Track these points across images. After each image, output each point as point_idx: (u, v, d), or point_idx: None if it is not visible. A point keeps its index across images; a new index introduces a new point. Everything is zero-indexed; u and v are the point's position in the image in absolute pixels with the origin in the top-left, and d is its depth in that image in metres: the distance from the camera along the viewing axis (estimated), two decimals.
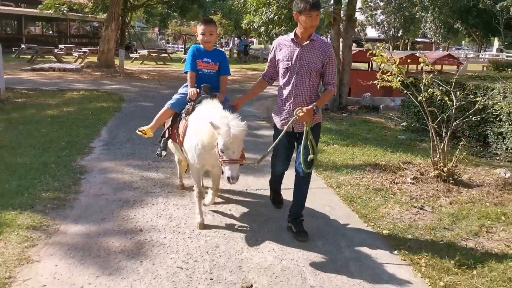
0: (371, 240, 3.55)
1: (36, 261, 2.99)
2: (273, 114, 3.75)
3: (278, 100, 3.66)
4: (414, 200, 4.39)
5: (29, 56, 20.94)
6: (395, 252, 3.35)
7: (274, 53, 3.60)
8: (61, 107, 8.70)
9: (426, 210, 4.17)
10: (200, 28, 3.81)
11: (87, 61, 18.74)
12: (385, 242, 3.52)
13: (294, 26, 18.37)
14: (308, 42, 3.42)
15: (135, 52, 27.19)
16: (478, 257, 3.26)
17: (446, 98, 4.83)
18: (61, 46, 25.73)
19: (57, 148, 5.73)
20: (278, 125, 3.65)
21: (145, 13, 31.66)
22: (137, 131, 3.96)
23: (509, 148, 5.75)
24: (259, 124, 8.06)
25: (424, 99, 4.90)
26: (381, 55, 4.90)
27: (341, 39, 9.92)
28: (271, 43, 28.67)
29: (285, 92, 3.54)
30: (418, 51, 44.33)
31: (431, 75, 5.20)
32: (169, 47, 40.35)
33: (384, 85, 4.99)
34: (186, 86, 3.87)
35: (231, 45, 40.22)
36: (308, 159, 3.38)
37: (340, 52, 9.82)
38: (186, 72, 3.84)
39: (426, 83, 5.05)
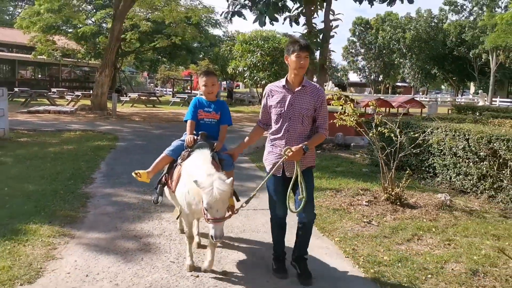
0: (325, 244, 4.50)
1: (59, 258, 3.87)
2: (264, 160, 3.77)
3: (269, 145, 3.69)
4: (364, 217, 5.37)
5: (23, 99, 21.99)
6: (342, 252, 4.30)
7: (266, 99, 3.65)
8: (61, 145, 9.65)
9: (373, 224, 5.15)
10: (202, 80, 3.95)
11: (80, 104, 19.85)
12: (335, 246, 4.47)
13: (276, 71, 19.87)
14: (300, 88, 3.49)
15: (125, 95, 28.45)
16: (406, 255, 4.22)
17: (392, 135, 5.94)
18: (54, 89, 26.90)
19: (63, 178, 6.64)
20: (268, 168, 3.67)
21: (136, 58, 33.23)
22: (132, 174, 4.04)
23: (451, 178, 6.83)
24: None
25: (374, 135, 6.00)
26: (338, 100, 6.05)
27: None
28: (256, 87, 30.23)
29: (277, 137, 3.58)
30: (399, 94, 46.58)
31: (399, 116, 6.35)
32: (158, 90, 41.88)
33: (340, 123, 6.10)
34: (186, 133, 3.96)
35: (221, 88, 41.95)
36: (299, 198, 3.42)
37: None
38: (186, 121, 3.96)
39: (377, 122, 6.17)
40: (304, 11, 10.98)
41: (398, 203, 5.84)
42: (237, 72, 26.86)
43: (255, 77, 25.53)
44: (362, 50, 52.60)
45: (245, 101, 32.66)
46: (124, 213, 5.18)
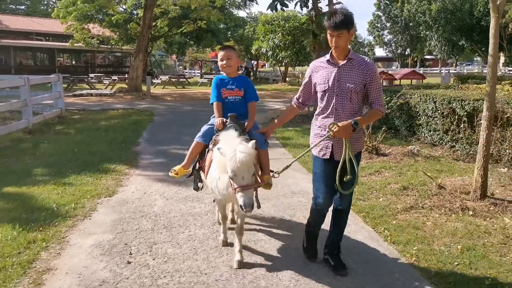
0: (305, 176, 6.33)
1: (125, 185, 5.87)
2: (310, 143, 3.48)
3: (315, 127, 3.42)
4: None
5: (65, 85, 24.51)
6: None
7: (310, 77, 3.41)
8: (109, 120, 11.80)
9: None
10: (219, 55, 3.84)
11: (118, 87, 22.12)
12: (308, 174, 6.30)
13: (298, 50, 21.46)
14: (345, 61, 3.20)
15: (156, 78, 30.67)
16: (364, 182, 5.98)
17: None
18: (91, 75, 29.40)
19: (116, 142, 8.70)
20: (315, 152, 3.40)
21: (165, 42, 35.32)
22: (169, 173, 4.03)
23: (425, 134, 8.47)
24: None
25: None
26: None
27: None
28: (279, 66, 31.74)
29: (324, 116, 3.31)
30: (428, 68, 46.94)
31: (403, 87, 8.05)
32: (186, 72, 44.04)
33: None
34: (214, 117, 3.84)
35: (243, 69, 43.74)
36: (344, 179, 3.18)
37: None
38: (212, 104, 3.83)
39: None
40: None
41: (374, 153, 7.58)
42: (261, 52, 28.49)
43: (278, 56, 27.15)
44: (388, 24, 52.81)
45: (269, 80, 34.33)
46: (165, 162, 7.16)
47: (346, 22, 3.10)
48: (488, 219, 4.53)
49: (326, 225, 3.66)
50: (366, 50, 59.29)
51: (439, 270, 3.49)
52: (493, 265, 3.54)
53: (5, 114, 11.32)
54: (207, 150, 3.81)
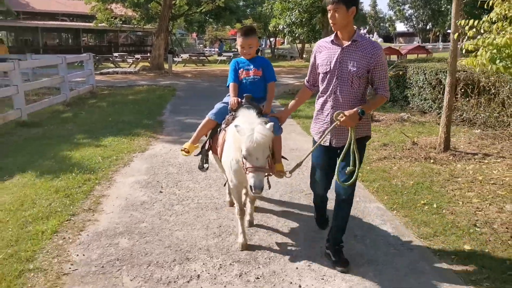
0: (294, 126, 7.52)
1: (153, 145, 7.18)
2: (311, 127, 3.46)
3: (316, 110, 3.34)
4: None
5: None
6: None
7: (315, 56, 3.31)
8: (136, 95, 13.17)
9: None
10: (239, 40, 3.73)
11: (141, 65, 23.51)
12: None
13: (314, 27, 22.42)
14: (350, 43, 3.07)
15: (177, 56, 31.94)
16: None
17: None
18: (115, 54, 30.87)
19: (144, 113, 10.04)
20: (316, 137, 3.35)
21: (185, 21, 36.41)
22: (180, 153, 3.97)
23: (417, 103, 9.51)
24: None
25: None
26: None
27: None
28: (296, 43, 32.56)
29: (323, 100, 3.23)
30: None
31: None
32: (206, 50, 45.15)
33: None
34: (229, 95, 3.77)
35: (263, 45, 44.69)
36: (346, 172, 3.09)
37: None
38: (228, 86, 3.79)
39: None
40: None
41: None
42: (278, 29, 29.33)
43: (295, 33, 27.96)
44: None
45: (286, 57, 35.18)
46: (185, 129, 8.45)
47: None
48: (444, 165, 5.67)
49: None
50: (387, 25, 59.05)
51: (390, 197, 4.69)
52: (433, 193, 4.72)
53: (42, 90, 12.81)
54: (219, 130, 3.72)
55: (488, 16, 3.98)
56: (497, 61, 3.54)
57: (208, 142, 3.92)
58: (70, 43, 40.66)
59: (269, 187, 3.60)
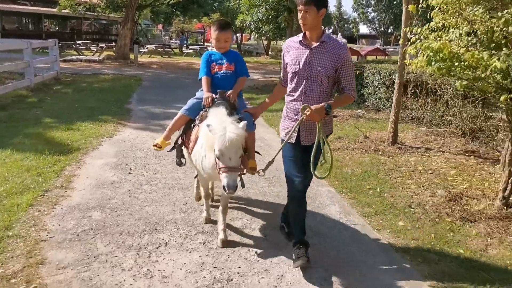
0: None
1: (121, 131, 7.43)
2: (280, 125, 3.49)
3: (285, 109, 3.38)
4: None
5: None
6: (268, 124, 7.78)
7: (283, 56, 3.36)
8: (101, 83, 13.24)
9: None
10: (214, 34, 3.69)
11: (105, 54, 23.29)
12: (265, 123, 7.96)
13: (279, 25, 22.95)
14: (318, 44, 3.13)
15: (142, 47, 31.70)
16: None
17: None
18: (78, 42, 30.29)
19: (110, 101, 10.21)
20: (283, 135, 3.39)
21: (152, 12, 36.11)
22: (152, 147, 3.90)
23: (373, 101, 10.18)
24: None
25: None
26: None
27: None
28: (262, 40, 33.03)
29: (293, 99, 3.26)
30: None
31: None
32: (172, 42, 44.89)
33: None
34: (202, 91, 3.74)
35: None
36: (320, 164, 3.19)
37: None
38: (200, 79, 3.74)
39: None
40: None
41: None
42: (245, 25, 29.68)
43: (261, 30, 28.44)
44: (373, 2, 54.03)
45: (253, 53, 35.64)
46: (153, 117, 8.73)
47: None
48: (390, 157, 6.28)
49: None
50: (351, 27, 60.58)
51: (340, 182, 5.22)
52: (378, 180, 5.29)
53: (4, 74, 12.65)
54: (192, 125, 3.71)
55: (428, 25, 4.53)
56: (433, 63, 4.10)
57: (181, 137, 3.90)
58: (30, 28, 39.41)
59: (243, 186, 3.46)
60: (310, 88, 3.17)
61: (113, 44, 28.63)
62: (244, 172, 3.42)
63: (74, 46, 25.76)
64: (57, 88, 11.87)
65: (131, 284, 2.98)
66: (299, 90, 3.21)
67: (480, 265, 3.39)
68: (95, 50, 25.51)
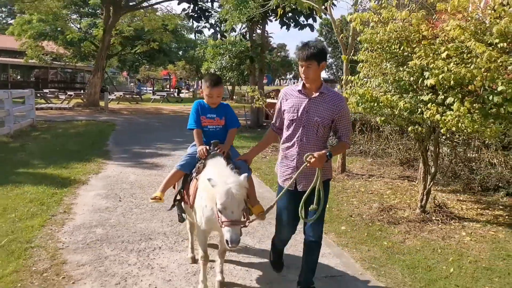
0: None
1: (105, 169, 8.35)
2: (275, 169, 3.58)
3: (281, 155, 3.47)
4: None
5: (22, 99, 26.10)
6: None
7: (281, 102, 3.46)
8: (76, 129, 14.11)
9: None
10: (206, 90, 3.74)
11: (75, 102, 24.10)
12: None
13: (242, 72, 24.61)
14: (317, 94, 3.27)
15: (110, 94, 32.64)
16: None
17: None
18: (45, 90, 30.92)
19: (88, 144, 11.11)
20: (280, 182, 3.47)
21: (119, 61, 37.40)
22: (150, 200, 3.85)
23: None
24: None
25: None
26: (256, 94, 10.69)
27: (257, 83, 15.85)
28: (227, 85, 34.81)
29: (289, 146, 3.36)
30: None
31: None
32: (145, 90, 46.09)
33: (257, 105, 10.74)
34: (195, 145, 3.82)
35: (195, 86, 46.65)
36: (310, 209, 3.25)
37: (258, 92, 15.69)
38: (191, 129, 3.80)
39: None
40: (247, 30, 15.72)
41: None
42: (209, 72, 31.32)
43: (225, 76, 30.12)
44: (330, 49, 57.51)
45: None
46: (132, 157, 9.69)
47: (315, 54, 3.16)
48: (339, 182, 7.51)
49: (298, 251, 3.67)
50: None
51: None
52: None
53: None
54: (189, 178, 3.73)
55: (358, 75, 5.90)
56: (360, 104, 5.40)
57: (179, 193, 3.87)
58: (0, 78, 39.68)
59: (240, 234, 3.28)
60: (306, 136, 3.28)
61: (81, 92, 29.48)
62: (247, 224, 3.37)
63: (41, 94, 26.37)
64: (35, 134, 12.65)
65: (137, 273, 3.96)
66: (296, 137, 3.32)
67: (398, 251, 4.57)
68: (64, 98, 26.23)
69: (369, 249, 4.63)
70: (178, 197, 3.90)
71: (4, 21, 54.15)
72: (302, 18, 15.14)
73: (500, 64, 4.40)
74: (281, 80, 65.61)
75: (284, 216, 3.46)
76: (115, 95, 29.69)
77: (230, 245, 2.93)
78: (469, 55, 4.60)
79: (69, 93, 27.45)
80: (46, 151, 9.92)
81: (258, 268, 4.18)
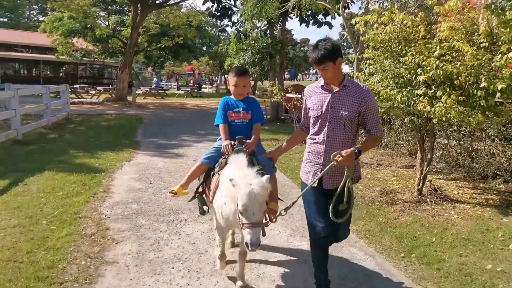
0: None
1: (135, 157, 9.27)
2: (301, 169, 3.50)
3: (307, 152, 3.41)
4: None
5: (54, 94, 27.57)
6: None
7: (305, 101, 3.44)
8: (108, 122, 15.16)
9: None
10: (232, 80, 3.76)
11: (104, 96, 25.35)
12: None
13: (264, 67, 25.36)
14: (340, 88, 3.20)
15: (136, 89, 33.93)
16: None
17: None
18: (76, 85, 32.41)
19: (120, 135, 12.10)
20: (304, 179, 3.43)
21: (145, 56, 38.64)
22: (168, 194, 3.99)
23: None
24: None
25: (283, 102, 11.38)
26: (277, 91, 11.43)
27: (276, 79, 16.57)
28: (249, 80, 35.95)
29: (316, 143, 3.30)
30: None
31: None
32: (163, 85, 47.41)
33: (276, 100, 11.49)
34: (220, 139, 3.81)
35: (218, 81, 47.64)
36: (339, 208, 3.16)
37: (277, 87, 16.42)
38: (217, 125, 3.82)
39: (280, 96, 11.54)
40: (267, 27, 16.46)
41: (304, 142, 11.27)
42: (231, 68, 32.19)
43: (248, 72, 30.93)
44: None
45: None
46: (158, 146, 10.59)
47: (328, 55, 3.09)
48: None
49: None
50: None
51: None
52: None
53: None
54: (212, 173, 3.75)
55: (363, 72, 6.58)
56: None
57: (201, 186, 3.94)
58: (25, 74, 41.58)
59: (264, 234, 3.26)
60: (333, 132, 3.21)
61: (109, 87, 30.81)
62: (268, 224, 3.30)
63: (72, 89, 27.77)
64: (70, 127, 13.75)
65: (167, 237, 4.79)
66: (322, 133, 3.26)
67: (390, 225, 5.27)
68: (93, 93, 27.56)
69: (365, 224, 5.34)
70: (200, 190, 3.96)
71: (35, 19, 56.52)
72: (320, 16, 15.75)
73: (483, 62, 5.04)
74: (304, 75, 66.06)
75: (312, 210, 3.35)
76: (141, 90, 30.90)
77: (250, 248, 2.89)
78: (457, 54, 5.25)
79: (98, 88, 28.82)
80: (82, 142, 10.93)
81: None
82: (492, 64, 4.96)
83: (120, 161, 8.73)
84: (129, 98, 23.37)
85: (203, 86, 43.98)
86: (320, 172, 3.23)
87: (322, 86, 3.30)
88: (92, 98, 26.74)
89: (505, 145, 7.41)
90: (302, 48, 63.69)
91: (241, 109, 3.80)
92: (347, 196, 3.15)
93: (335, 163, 3.05)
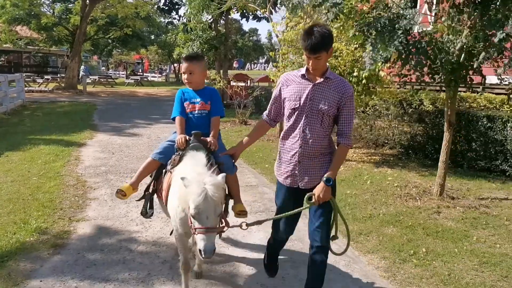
0: None
1: (95, 137, 10.99)
2: (275, 165, 3.28)
3: (281, 148, 3.18)
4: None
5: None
6: None
7: (280, 90, 3.15)
8: (63, 108, 16.59)
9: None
10: (183, 67, 3.58)
11: (53, 85, 26.28)
12: None
13: (212, 56, 27.19)
14: (322, 80, 2.99)
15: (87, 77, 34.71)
16: (228, 140, 11.65)
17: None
18: (16, 74, 32.71)
19: (77, 120, 13.65)
20: (281, 179, 3.21)
21: (92, 45, 39.29)
22: (115, 195, 3.65)
23: None
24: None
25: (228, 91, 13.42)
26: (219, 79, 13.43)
27: (221, 70, 18.59)
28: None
29: (291, 138, 3.09)
30: None
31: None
32: (110, 73, 48.02)
33: (219, 86, 13.52)
34: (175, 133, 3.56)
35: (167, 71, 48.89)
36: (331, 238, 3.11)
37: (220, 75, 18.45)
38: (173, 119, 3.57)
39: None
40: (212, 21, 18.47)
41: (243, 124, 13.33)
42: (181, 57, 33.71)
43: None
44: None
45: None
46: (115, 128, 12.30)
47: (324, 43, 2.88)
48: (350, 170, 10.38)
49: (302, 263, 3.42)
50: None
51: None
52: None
53: None
54: (164, 170, 3.50)
55: (278, 63, 8.71)
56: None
57: (152, 184, 3.71)
58: None
59: (220, 236, 3.12)
60: (309, 126, 3.02)
61: (57, 76, 31.51)
62: (224, 230, 3.11)
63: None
64: (28, 113, 15.10)
65: None
66: (298, 128, 3.05)
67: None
68: (41, 81, 28.32)
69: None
70: (150, 189, 3.73)
71: None
72: (259, 12, 17.86)
73: (357, 58, 7.31)
74: (253, 65, 68.25)
75: (283, 213, 3.16)
76: (90, 79, 31.86)
77: (203, 256, 2.65)
78: (340, 52, 7.50)
79: (46, 77, 29.54)
80: (43, 125, 12.45)
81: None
82: (362, 60, 7.23)
83: (83, 139, 10.43)
84: (79, 87, 24.52)
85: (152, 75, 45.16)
86: (297, 171, 3.09)
87: (303, 75, 3.06)
88: (40, 86, 27.52)
89: (397, 122, 9.85)
90: (251, 38, 65.86)
91: (199, 99, 3.59)
92: (335, 223, 3.17)
93: (315, 204, 2.96)
